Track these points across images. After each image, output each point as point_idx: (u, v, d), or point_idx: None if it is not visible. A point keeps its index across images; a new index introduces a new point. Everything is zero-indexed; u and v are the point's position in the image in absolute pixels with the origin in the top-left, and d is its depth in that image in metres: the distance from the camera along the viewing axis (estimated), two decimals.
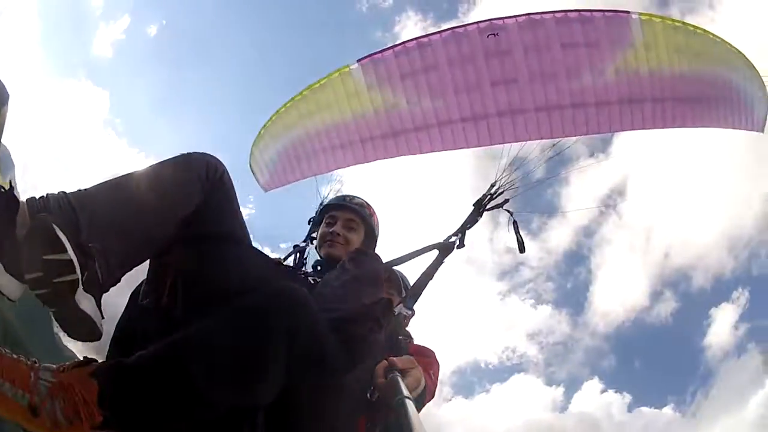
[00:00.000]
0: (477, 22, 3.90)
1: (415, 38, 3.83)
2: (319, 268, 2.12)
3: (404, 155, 3.80)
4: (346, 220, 2.11)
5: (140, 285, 1.52)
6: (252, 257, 1.54)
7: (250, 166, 4.25)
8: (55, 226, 1.02)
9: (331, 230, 2.09)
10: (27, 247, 1.01)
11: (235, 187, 1.51)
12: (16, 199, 1.03)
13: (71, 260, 1.03)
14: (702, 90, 4.63)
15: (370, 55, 3.83)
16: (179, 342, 1.18)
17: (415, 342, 2.30)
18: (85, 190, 1.19)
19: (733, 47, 4.72)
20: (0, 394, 0.99)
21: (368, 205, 2.26)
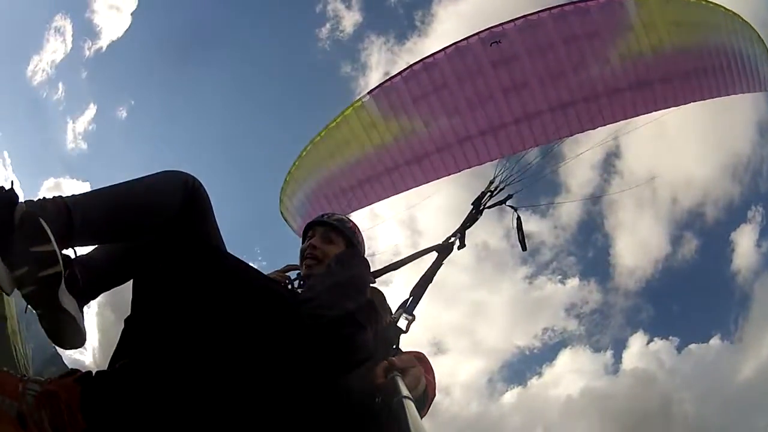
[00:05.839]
0: (477, 33, 3.91)
1: (420, 60, 3.86)
2: (302, 282, 2.11)
3: (431, 180, 3.82)
4: (324, 233, 2.10)
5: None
6: (239, 263, 1.50)
7: (282, 213, 4.26)
8: (41, 219, 1.08)
9: (308, 243, 2.09)
10: (18, 239, 1.06)
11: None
12: (15, 195, 1.09)
13: (54, 251, 1.09)
14: (706, 61, 4.57)
15: (380, 85, 3.87)
16: None
17: (404, 350, 2.24)
18: (80, 194, 1.28)
19: (728, 10, 4.70)
20: None
21: (349, 220, 2.22)
